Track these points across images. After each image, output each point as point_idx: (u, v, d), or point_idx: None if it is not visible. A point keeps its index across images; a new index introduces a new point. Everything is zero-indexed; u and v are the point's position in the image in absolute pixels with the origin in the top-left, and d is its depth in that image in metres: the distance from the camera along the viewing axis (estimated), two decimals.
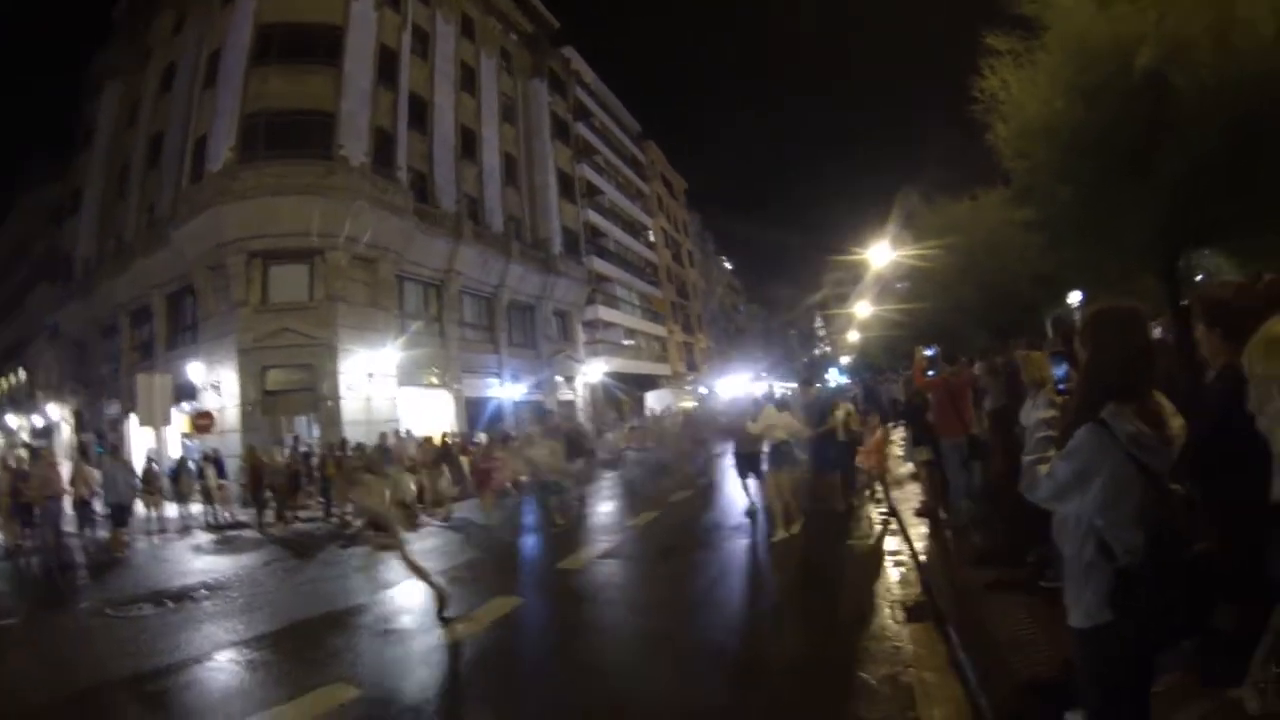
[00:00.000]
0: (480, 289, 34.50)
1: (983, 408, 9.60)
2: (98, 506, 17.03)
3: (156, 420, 18.17)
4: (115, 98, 35.42)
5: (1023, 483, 2.84)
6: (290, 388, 25.25)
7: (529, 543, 13.18)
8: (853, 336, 44.62)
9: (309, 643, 7.72)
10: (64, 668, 6.88)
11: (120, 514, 16.24)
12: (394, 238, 27.69)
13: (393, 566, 9.12)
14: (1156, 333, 15.12)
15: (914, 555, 8.50)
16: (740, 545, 10.72)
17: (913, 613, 6.53)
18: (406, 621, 8.23)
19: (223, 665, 7.07)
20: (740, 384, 54.30)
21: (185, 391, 24.06)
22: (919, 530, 9.61)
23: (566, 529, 13.42)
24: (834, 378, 64.68)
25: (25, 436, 40.10)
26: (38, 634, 6.91)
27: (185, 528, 18.63)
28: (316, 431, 24.49)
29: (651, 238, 60.85)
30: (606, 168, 52.70)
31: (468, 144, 35.34)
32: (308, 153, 25.89)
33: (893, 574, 8.22)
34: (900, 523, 10.19)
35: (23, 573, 14.11)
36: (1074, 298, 15.38)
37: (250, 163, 25.40)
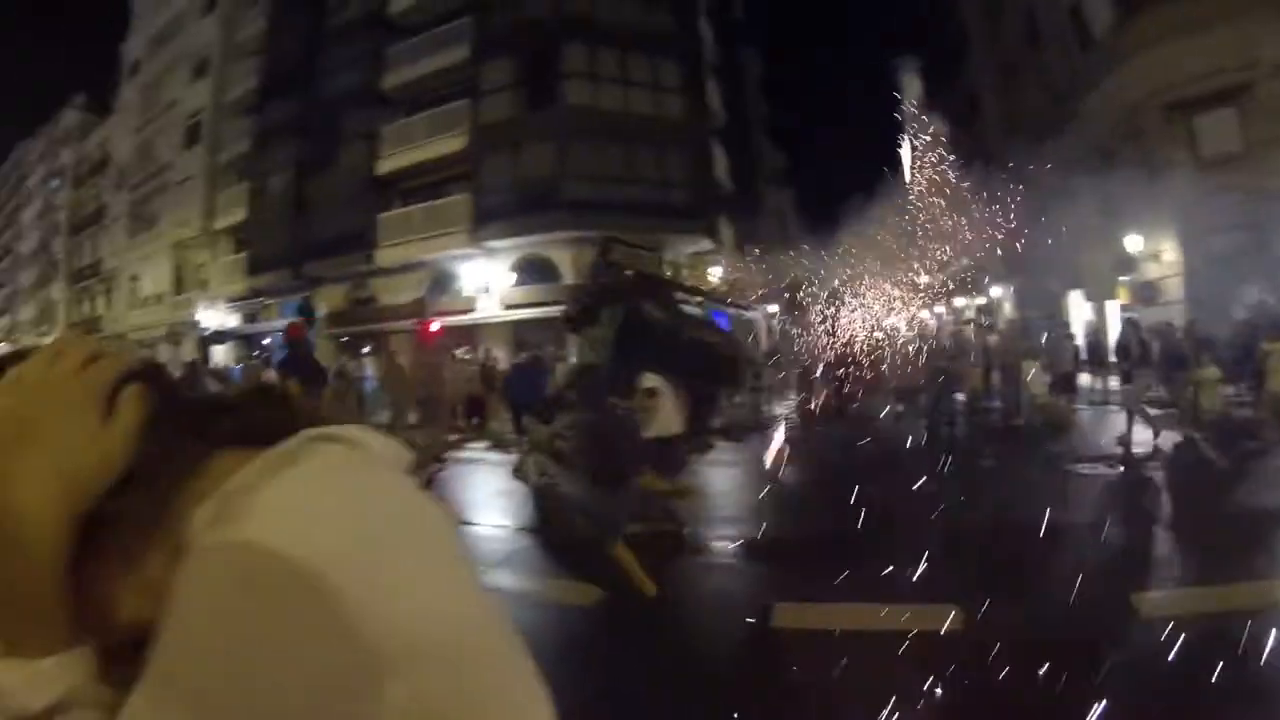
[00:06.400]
0: None
1: None
2: (1047, 376, 19.13)
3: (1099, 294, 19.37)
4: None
5: None
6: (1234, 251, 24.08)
7: None
8: None
9: None
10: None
11: (1065, 383, 18.58)
12: None
13: None
14: None
15: None
16: None
17: None
18: None
19: None
20: None
21: (1122, 263, 25.22)
22: None
23: None
24: None
25: (970, 314, 46.45)
26: None
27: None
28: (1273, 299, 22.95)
29: None
30: None
31: None
32: None
33: None
34: None
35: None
36: None
37: (1137, 12, 24.69)
